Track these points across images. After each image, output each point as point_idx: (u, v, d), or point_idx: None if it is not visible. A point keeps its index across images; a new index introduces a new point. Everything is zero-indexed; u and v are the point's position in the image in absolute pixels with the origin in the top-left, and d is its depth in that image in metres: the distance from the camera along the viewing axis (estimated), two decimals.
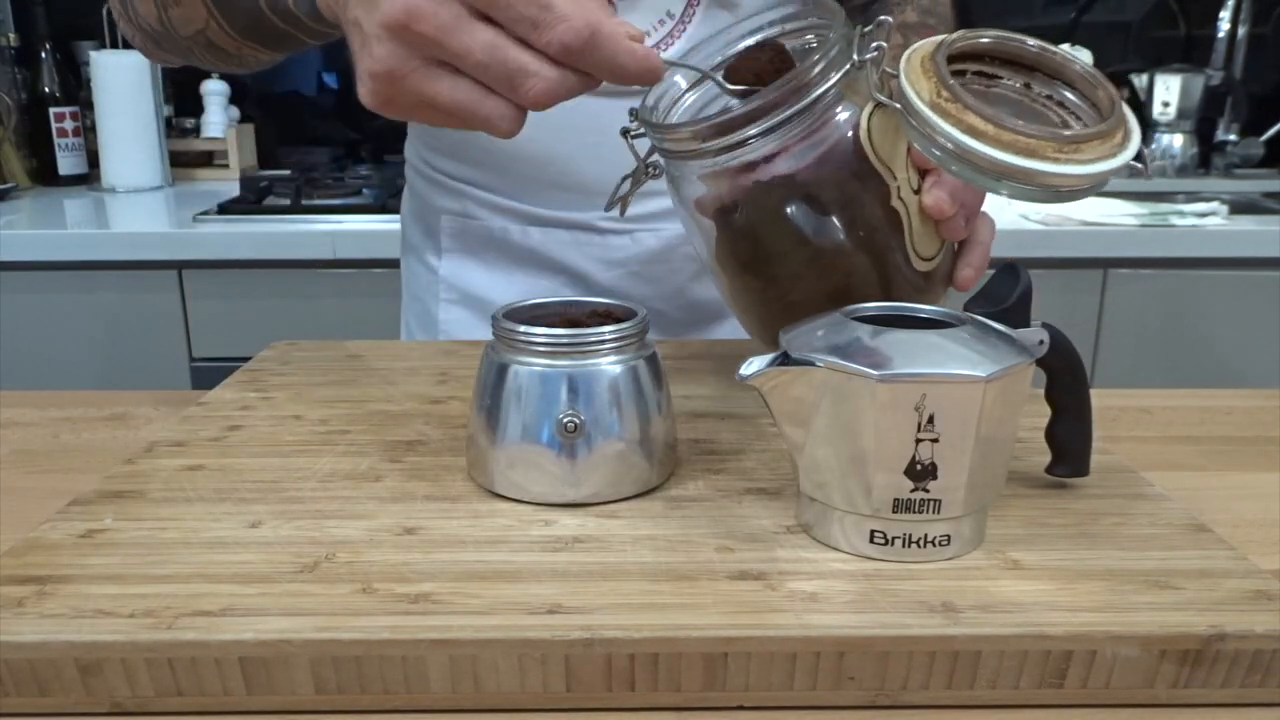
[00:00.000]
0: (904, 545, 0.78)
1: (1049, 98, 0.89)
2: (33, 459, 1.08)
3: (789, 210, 0.95)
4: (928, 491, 0.77)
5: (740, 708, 0.70)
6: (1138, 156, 0.84)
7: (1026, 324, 0.82)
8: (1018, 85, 0.90)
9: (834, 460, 0.78)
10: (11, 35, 3.26)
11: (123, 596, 0.72)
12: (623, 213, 1.05)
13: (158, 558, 0.78)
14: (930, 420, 0.74)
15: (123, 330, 2.65)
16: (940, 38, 0.89)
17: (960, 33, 0.89)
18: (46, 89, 3.26)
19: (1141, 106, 3.45)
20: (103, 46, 3.27)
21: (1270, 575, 0.75)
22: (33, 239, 2.60)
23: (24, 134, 3.30)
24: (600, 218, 1.43)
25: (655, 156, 0.99)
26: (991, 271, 0.87)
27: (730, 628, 0.69)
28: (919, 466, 0.76)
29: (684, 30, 1.35)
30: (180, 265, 2.61)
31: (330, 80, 3.67)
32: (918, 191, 0.96)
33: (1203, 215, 2.67)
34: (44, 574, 0.75)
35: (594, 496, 0.88)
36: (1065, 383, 0.87)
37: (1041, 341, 0.82)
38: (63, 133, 3.28)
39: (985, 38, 0.90)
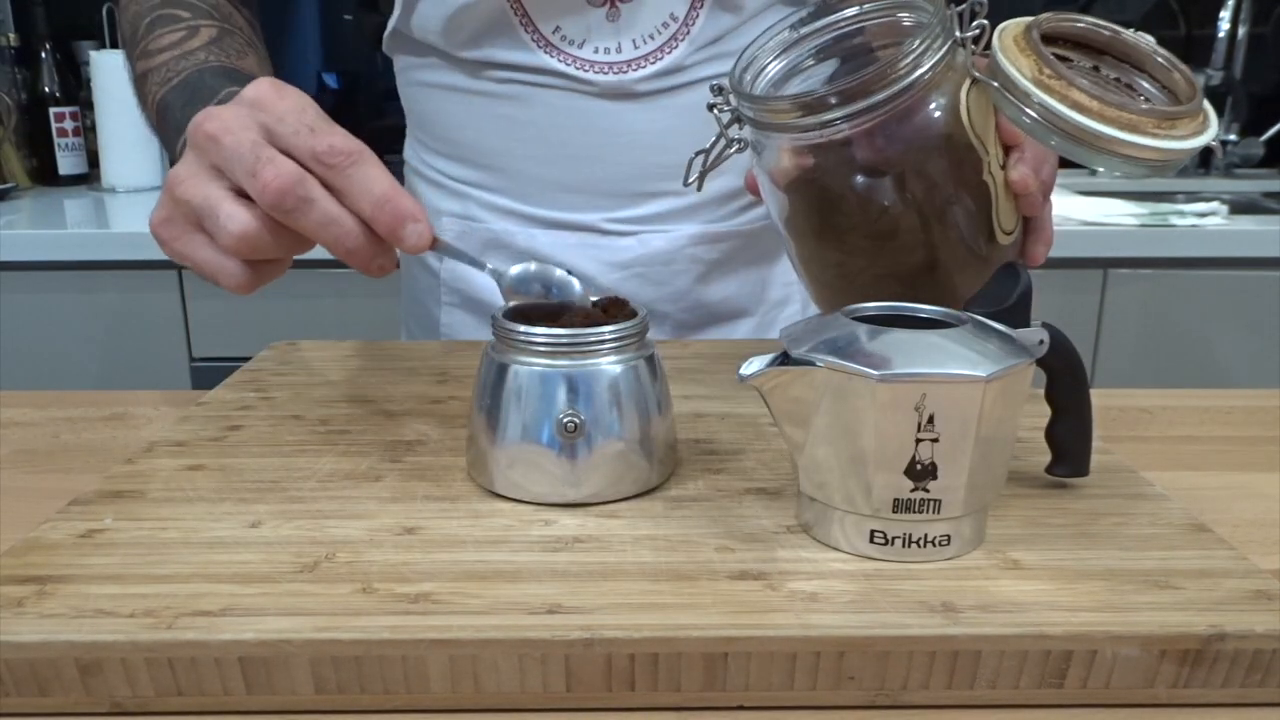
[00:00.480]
0: (904, 545, 0.78)
1: (1117, 80, 0.91)
2: (33, 459, 1.08)
3: (879, 187, 0.96)
4: (928, 491, 0.77)
5: (740, 708, 0.70)
6: (1217, 135, 0.88)
7: (1027, 324, 0.82)
8: (1088, 67, 0.92)
9: (834, 460, 0.78)
10: (11, 35, 3.25)
11: (123, 596, 0.72)
12: (700, 187, 1.06)
13: (158, 558, 0.78)
14: (930, 420, 0.74)
15: (123, 330, 2.65)
16: (1029, 18, 0.91)
17: (1047, 15, 0.91)
18: (46, 89, 3.26)
19: None
20: (103, 46, 3.27)
21: (1270, 575, 0.74)
22: (33, 239, 2.60)
23: (24, 134, 3.30)
24: (605, 220, 1.43)
25: (735, 130, 1.00)
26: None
27: (730, 628, 0.68)
28: (919, 466, 0.76)
29: (688, 33, 1.35)
30: (180, 265, 2.57)
31: (330, 80, 3.67)
32: (1003, 167, 0.98)
33: (1203, 215, 2.67)
34: (44, 574, 0.75)
35: (594, 496, 0.88)
36: (1065, 383, 0.87)
37: (1041, 341, 0.82)
38: (63, 133, 3.28)
39: (1071, 22, 0.93)
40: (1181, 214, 2.67)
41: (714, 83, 1.01)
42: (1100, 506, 0.87)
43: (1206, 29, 3.51)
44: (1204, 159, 3.52)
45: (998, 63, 0.88)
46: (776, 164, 0.99)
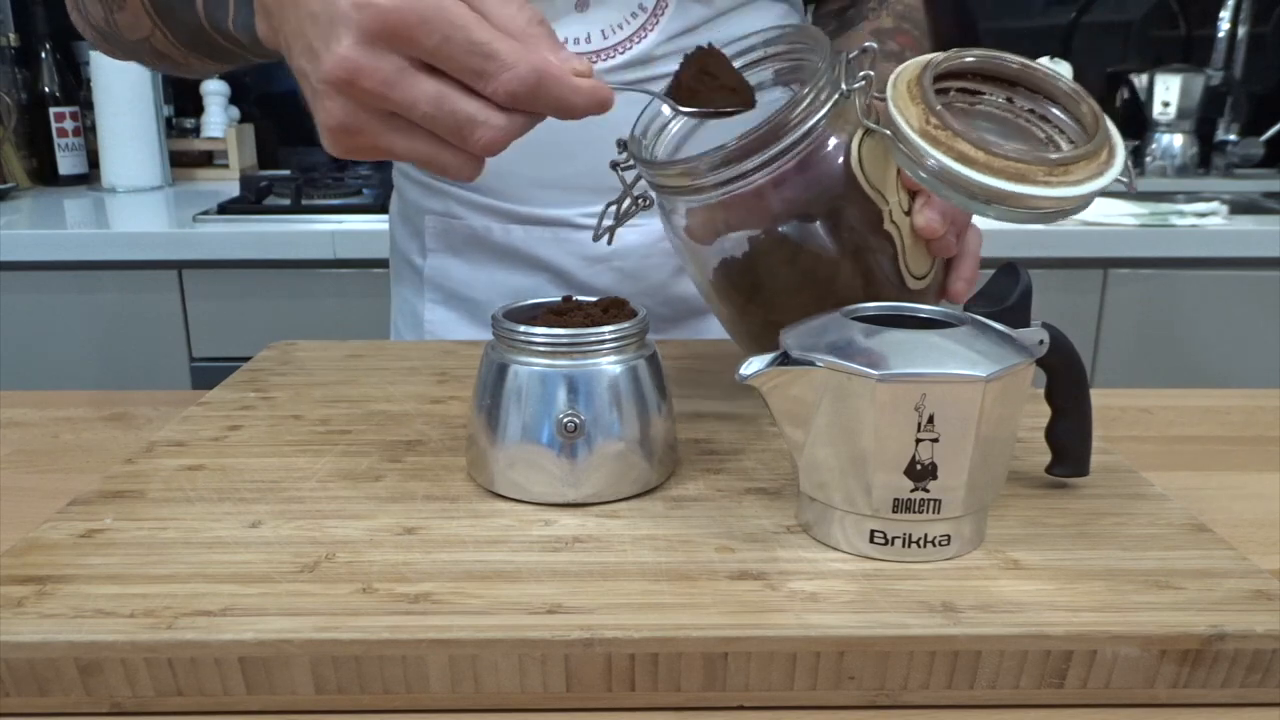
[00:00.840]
0: (904, 545, 0.78)
1: (1031, 112, 0.91)
2: (33, 459, 1.08)
3: (781, 239, 0.96)
4: (928, 491, 0.77)
5: (740, 708, 0.70)
6: (1124, 171, 0.86)
7: (1027, 324, 0.82)
8: (1000, 100, 0.91)
9: (834, 460, 0.78)
10: (11, 35, 3.26)
11: (123, 596, 0.72)
12: (610, 241, 1.04)
13: (158, 558, 0.78)
14: (930, 420, 0.74)
15: (123, 330, 2.65)
16: (925, 59, 0.90)
17: (944, 54, 0.90)
18: (46, 89, 3.27)
19: (1141, 106, 3.45)
20: None
21: (1270, 575, 0.74)
22: (33, 239, 2.60)
23: (24, 134, 3.31)
24: (579, 214, 1.43)
25: (643, 188, 1.00)
26: (991, 271, 0.88)
27: (730, 628, 0.69)
28: (919, 466, 0.76)
29: (656, 23, 1.36)
30: (180, 265, 2.61)
31: None
32: (908, 213, 0.97)
33: (1203, 215, 2.67)
34: (44, 574, 0.75)
35: (594, 496, 0.88)
36: (1065, 383, 0.88)
37: (1041, 341, 0.83)
38: (63, 133, 3.29)
39: (969, 56, 0.91)
40: (1181, 214, 2.67)
41: (619, 138, 1.01)
42: (1100, 506, 0.87)
43: (1206, 29, 3.51)
44: (1204, 159, 3.53)
45: (889, 112, 0.87)
46: (686, 222, 1.00)
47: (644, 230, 1.43)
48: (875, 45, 0.90)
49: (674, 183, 0.94)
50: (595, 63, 1.36)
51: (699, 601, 0.72)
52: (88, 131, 3.32)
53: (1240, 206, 2.90)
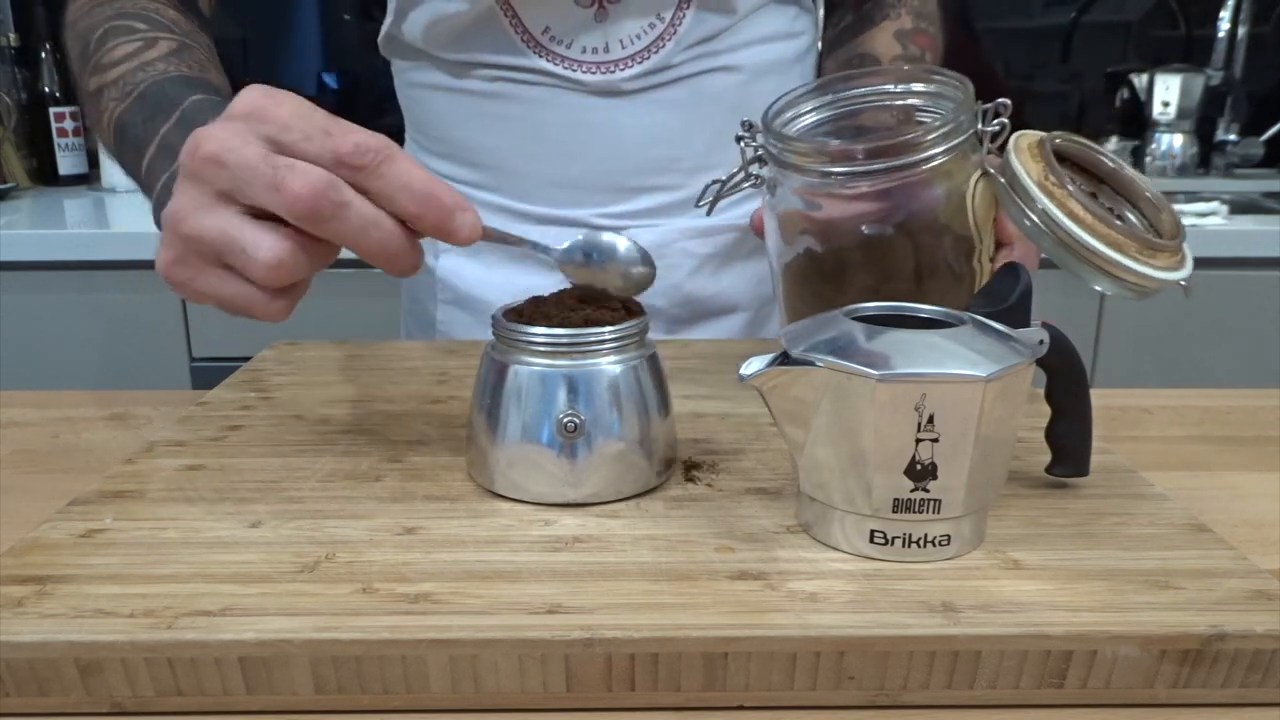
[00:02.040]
0: (904, 545, 0.78)
1: (1110, 209, 0.95)
2: (33, 459, 1.08)
3: (876, 244, 0.99)
4: (928, 491, 0.77)
5: (740, 708, 0.70)
6: (1189, 276, 0.93)
7: (1027, 323, 0.82)
8: (1087, 191, 0.95)
9: (834, 460, 0.78)
10: (11, 35, 3.26)
11: (123, 596, 0.73)
12: (710, 212, 1.08)
13: (158, 558, 0.78)
14: (930, 420, 0.75)
15: (123, 330, 2.65)
16: (1047, 134, 0.95)
17: (1062, 134, 0.96)
18: (46, 89, 3.27)
19: (1141, 106, 3.46)
20: None
21: (1270, 575, 0.74)
22: (33, 239, 2.60)
23: (24, 134, 3.31)
24: (596, 215, 1.43)
25: (756, 167, 1.04)
26: None
27: (730, 628, 0.69)
28: (919, 466, 0.76)
29: (674, 33, 1.36)
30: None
31: (330, 80, 3.67)
32: (992, 259, 1.01)
33: (1203, 215, 2.67)
34: (44, 574, 0.75)
35: (594, 496, 0.88)
36: (1065, 382, 0.88)
37: (1041, 341, 0.83)
38: (63, 133, 3.29)
39: (1089, 148, 0.98)
40: (1181, 214, 2.67)
41: (744, 119, 1.03)
42: (1100, 506, 0.87)
43: (1206, 29, 3.51)
44: (1204, 159, 3.53)
45: (1009, 161, 0.93)
46: (787, 206, 1.02)
47: (661, 230, 1.44)
48: (1008, 102, 0.94)
49: (801, 161, 0.98)
50: (614, 73, 1.37)
51: (699, 601, 0.72)
52: (88, 131, 3.31)
53: (1240, 206, 2.91)
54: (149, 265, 2.38)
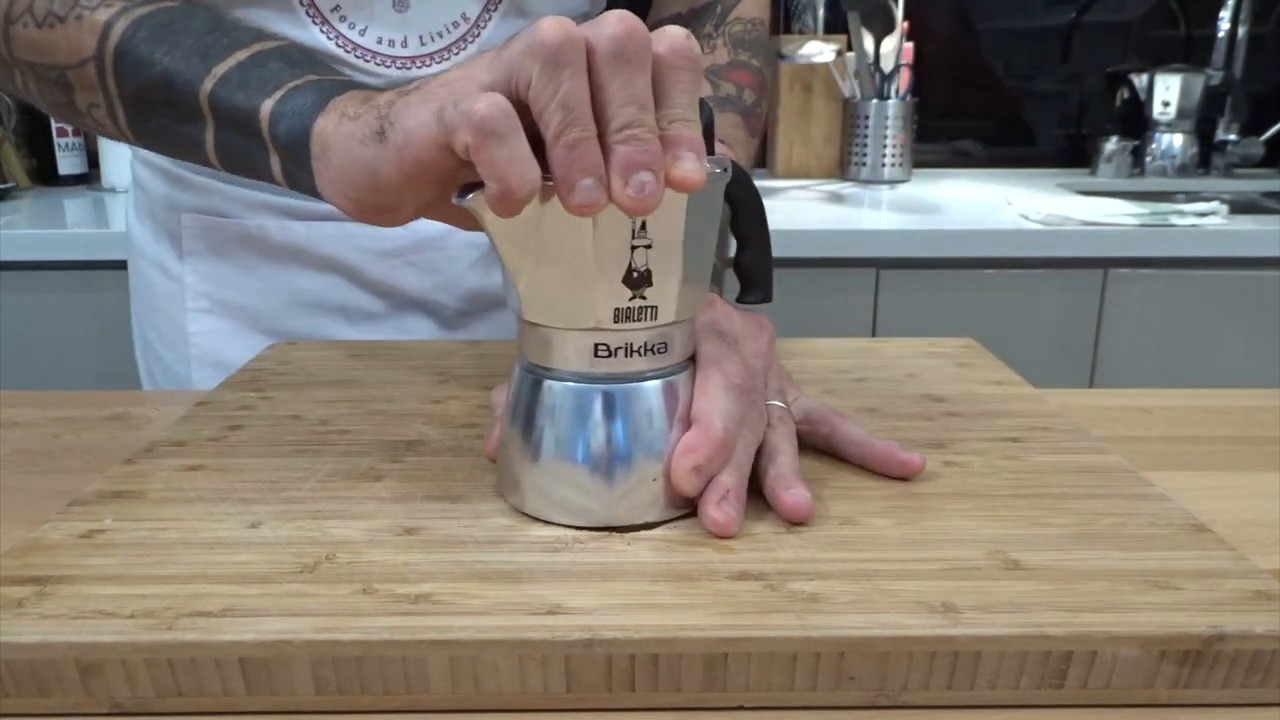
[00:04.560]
0: (626, 354, 0.82)
1: None
2: (33, 459, 1.08)
3: None
4: (645, 299, 0.80)
5: (740, 708, 0.70)
6: None
7: (712, 152, 0.83)
8: None
9: (555, 278, 0.80)
10: None
11: (123, 597, 0.73)
12: None
13: (158, 558, 0.78)
14: (643, 227, 0.77)
15: (123, 330, 2.65)
16: None
17: None
18: None
19: (1141, 106, 3.47)
20: None
21: (1270, 575, 0.74)
22: (33, 239, 2.62)
23: (24, 134, 3.31)
24: None
25: None
26: None
27: (730, 628, 0.69)
28: (635, 274, 0.79)
29: (478, 35, 1.34)
30: None
31: None
32: None
33: (1203, 215, 2.67)
34: (44, 574, 0.75)
35: (634, 520, 0.86)
36: (747, 212, 0.94)
37: (726, 169, 0.85)
38: (62, 132, 3.30)
39: None
40: (1181, 214, 2.68)
41: None
42: (1100, 507, 0.87)
43: (1206, 29, 3.52)
44: (1204, 159, 3.53)
45: None
46: None
47: (439, 223, 1.38)
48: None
49: None
50: (411, 69, 1.33)
51: (699, 602, 0.72)
52: (88, 131, 3.31)
53: (1240, 206, 2.92)
54: None
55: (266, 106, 0.92)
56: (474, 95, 0.72)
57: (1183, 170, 3.50)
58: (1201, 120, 3.50)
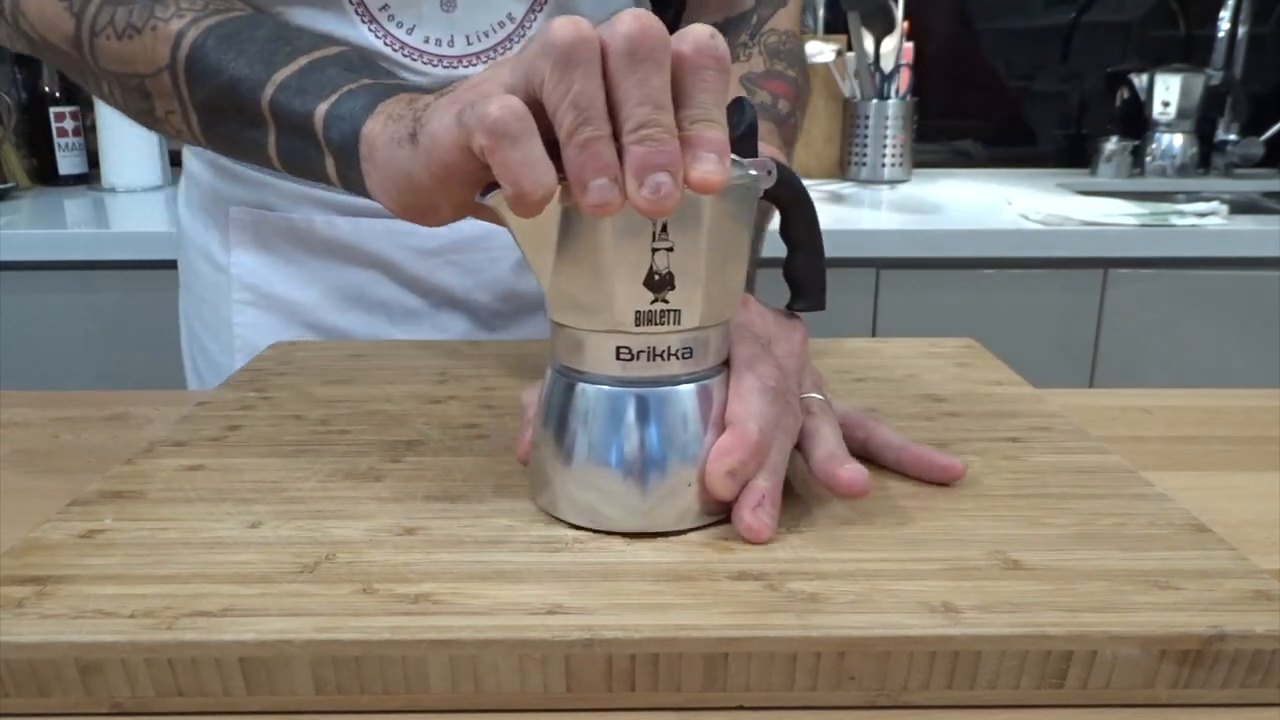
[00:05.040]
0: (649, 358, 0.82)
1: None
2: (32, 459, 1.08)
3: None
4: (667, 302, 0.80)
5: (740, 708, 0.70)
6: None
7: (754, 154, 0.84)
8: None
9: (577, 279, 0.80)
10: None
11: (123, 597, 0.73)
12: None
13: (158, 558, 0.78)
14: (664, 230, 0.77)
15: (123, 330, 2.66)
16: None
17: None
18: (46, 89, 3.28)
19: (1142, 106, 3.47)
20: None
21: (1270, 575, 0.74)
22: (33, 239, 2.62)
23: (24, 134, 3.32)
24: None
25: None
26: None
27: (730, 628, 0.69)
28: (656, 276, 0.79)
29: (524, 34, 1.34)
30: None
31: None
32: None
33: (1203, 215, 2.68)
34: (44, 574, 0.76)
35: (670, 525, 0.85)
36: (796, 217, 0.92)
37: (770, 171, 0.85)
38: (62, 132, 3.30)
39: None
40: (1181, 214, 2.69)
41: None
42: (1100, 507, 0.87)
43: (1206, 29, 3.52)
44: (1204, 159, 3.53)
45: None
46: None
47: (482, 222, 1.38)
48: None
49: None
50: (458, 69, 1.34)
51: (699, 602, 0.72)
52: (88, 131, 3.34)
53: (1240, 206, 2.92)
54: (149, 265, 2.37)
55: (321, 110, 0.94)
56: (491, 98, 0.72)
57: (1183, 170, 3.51)
58: (1201, 120, 3.50)
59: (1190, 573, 0.75)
